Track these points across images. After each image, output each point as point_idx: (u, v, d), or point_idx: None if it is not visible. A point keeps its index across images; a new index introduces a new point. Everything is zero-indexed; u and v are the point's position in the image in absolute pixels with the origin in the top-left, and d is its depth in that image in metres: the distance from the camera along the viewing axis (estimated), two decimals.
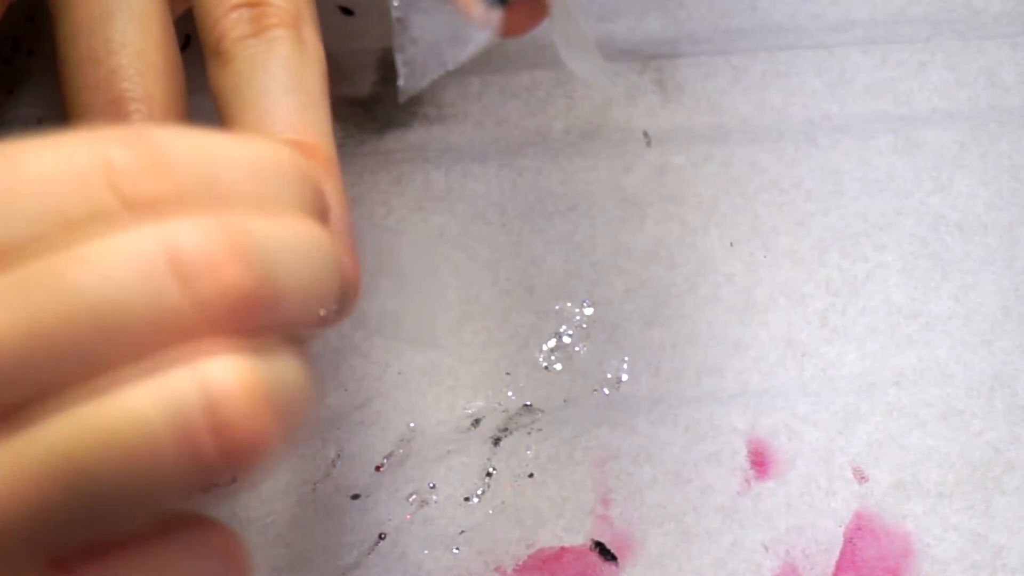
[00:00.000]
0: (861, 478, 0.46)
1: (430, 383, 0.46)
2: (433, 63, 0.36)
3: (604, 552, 0.45)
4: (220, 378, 0.26)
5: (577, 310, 0.47)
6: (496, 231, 0.48)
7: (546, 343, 0.47)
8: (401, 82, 0.37)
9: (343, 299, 0.34)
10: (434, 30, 0.36)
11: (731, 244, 0.48)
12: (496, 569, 0.44)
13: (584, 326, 0.47)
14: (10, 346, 0.25)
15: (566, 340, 0.47)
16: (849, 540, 0.45)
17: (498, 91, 0.49)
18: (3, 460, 0.26)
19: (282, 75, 0.35)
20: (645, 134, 0.49)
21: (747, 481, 0.45)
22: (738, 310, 0.47)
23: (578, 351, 0.47)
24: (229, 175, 0.28)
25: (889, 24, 0.51)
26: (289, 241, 0.28)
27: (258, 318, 0.26)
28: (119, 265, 0.26)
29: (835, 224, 0.48)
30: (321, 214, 0.31)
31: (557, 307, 0.47)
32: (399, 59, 0.36)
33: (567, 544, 0.45)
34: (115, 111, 0.38)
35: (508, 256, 0.48)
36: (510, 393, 0.46)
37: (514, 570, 0.44)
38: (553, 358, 0.47)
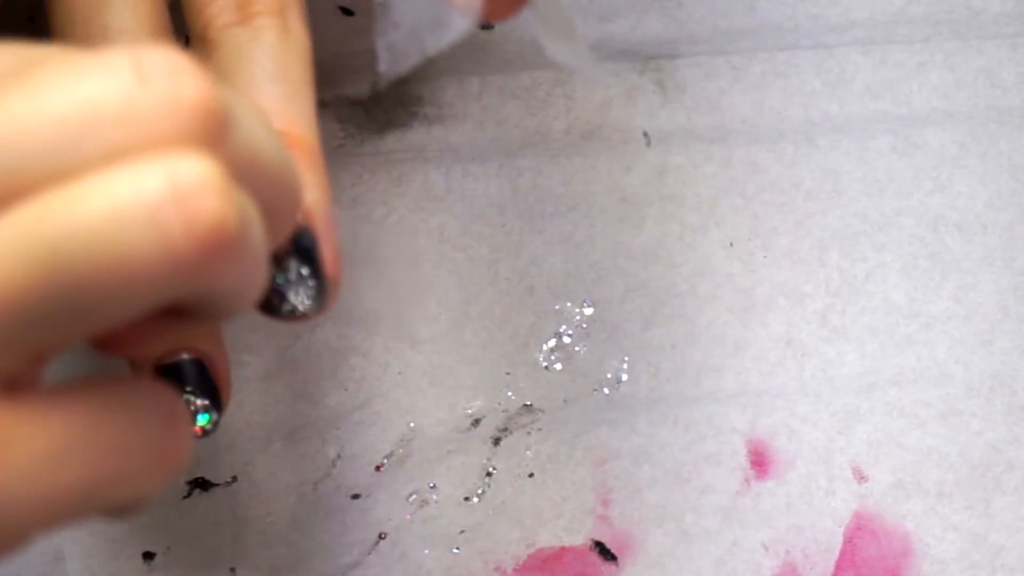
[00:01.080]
0: (861, 478, 0.46)
1: (430, 383, 0.46)
2: (414, 49, 0.36)
3: (604, 552, 0.45)
4: (189, 170, 0.26)
5: (577, 310, 0.47)
6: (496, 231, 0.48)
7: (546, 343, 0.47)
8: (381, 67, 0.36)
9: (323, 295, 0.34)
10: (416, 15, 0.36)
11: (731, 244, 0.48)
12: (496, 569, 0.44)
13: (584, 326, 0.47)
14: None
15: (566, 340, 0.47)
16: (849, 540, 0.45)
17: (498, 91, 0.49)
18: None
19: (267, 64, 0.35)
20: (645, 134, 0.49)
21: (747, 481, 0.45)
22: (738, 310, 0.47)
23: (578, 351, 0.47)
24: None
25: (888, 24, 0.51)
26: (246, 106, 0.29)
27: (218, 140, 0.27)
28: (88, 71, 0.26)
29: (835, 224, 0.48)
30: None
31: (557, 307, 0.47)
32: (380, 44, 0.36)
33: (567, 544, 0.45)
34: None
35: (508, 256, 0.48)
36: (510, 393, 0.46)
37: (514, 570, 0.45)
38: (553, 358, 0.47)
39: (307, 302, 0.35)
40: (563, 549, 0.45)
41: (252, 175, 0.28)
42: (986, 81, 0.50)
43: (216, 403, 0.40)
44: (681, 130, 0.49)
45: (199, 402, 0.39)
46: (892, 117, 0.50)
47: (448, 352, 0.47)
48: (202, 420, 0.39)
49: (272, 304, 0.34)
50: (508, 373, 0.47)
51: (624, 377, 0.47)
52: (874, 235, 0.48)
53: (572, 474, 0.45)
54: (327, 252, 0.35)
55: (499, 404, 0.46)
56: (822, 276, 0.48)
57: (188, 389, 0.39)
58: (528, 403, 0.46)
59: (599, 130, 0.49)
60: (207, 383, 0.39)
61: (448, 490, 0.45)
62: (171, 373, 0.39)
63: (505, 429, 0.46)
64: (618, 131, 0.49)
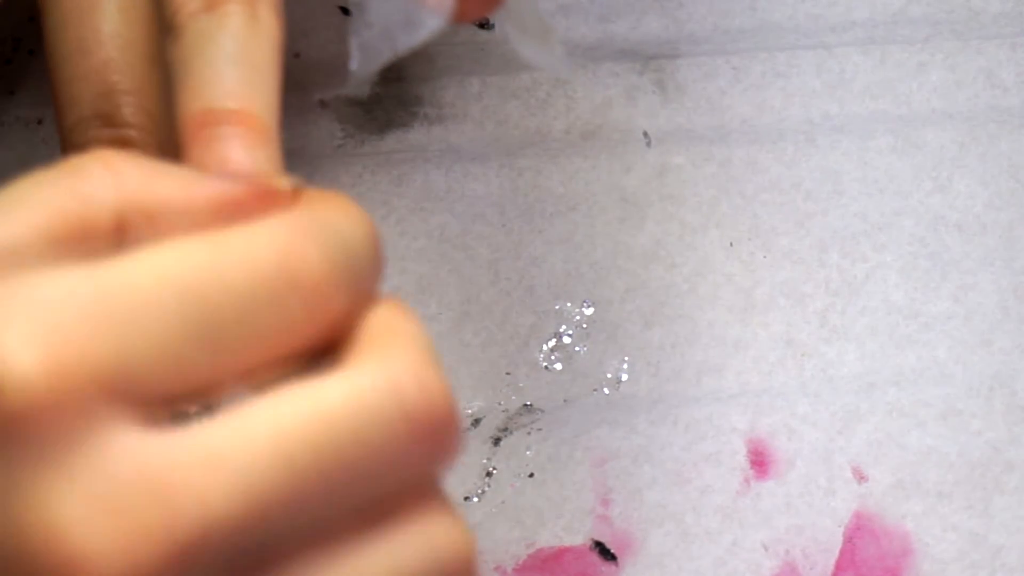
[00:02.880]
0: (861, 478, 0.46)
1: None
2: (386, 48, 0.36)
3: (604, 552, 0.45)
4: (449, 549, 0.27)
5: (577, 310, 0.47)
6: (496, 231, 0.48)
7: (546, 343, 0.47)
8: (353, 66, 0.36)
9: None
10: (389, 14, 0.36)
11: (731, 244, 0.48)
12: (496, 569, 0.44)
13: (584, 326, 0.47)
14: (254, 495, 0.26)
15: (566, 340, 0.47)
16: (849, 540, 0.45)
17: (498, 91, 0.49)
18: None
19: (229, 48, 0.35)
20: (645, 134, 0.49)
21: (747, 481, 0.45)
22: (738, 310, 0.47)
23: (578, 351, 0.47)
24: (365, 263, 0.30)
25: (888, 24, 0.51)
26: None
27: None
28: (365, 422, 0.27)
29: (835, 224, 0.48)
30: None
31: (557, 307, 0.47)
32: (353, 43, 0.36)
33: (567, 544, 0.45)
34: (106, 103, 0.38)
35: (508, 256, 0.48)
36: (510, 393, 0.46)
37: (514, 570, 0.44)
38: (553, 358, 0.47)
39: None
40: (563, 549, 0.45)
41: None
42: (986, 81, 0.50)
43: None
44: (681, 130, 0.49)
45: None
46: (892, 117, 0.50)
47: (448, 352, 0.47)
48: None
49: None
50: (508, 373, 0.47)
51: (624, 377, 0.47)
52: (874, 235, 0.48)
53: (572, 474, 0.45)
54: None
55: (499, 404, 0.46)
56: (822, 276, 0.48)
57: None
58: (528, 403, 0.46)
59: (599, 130, 0.49)
60: None
61: (448, 490, 0.45)
62: None
63: (505, 429, 0.46)
64: (618, 131, 0.49)
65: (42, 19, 0.40)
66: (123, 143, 0.39)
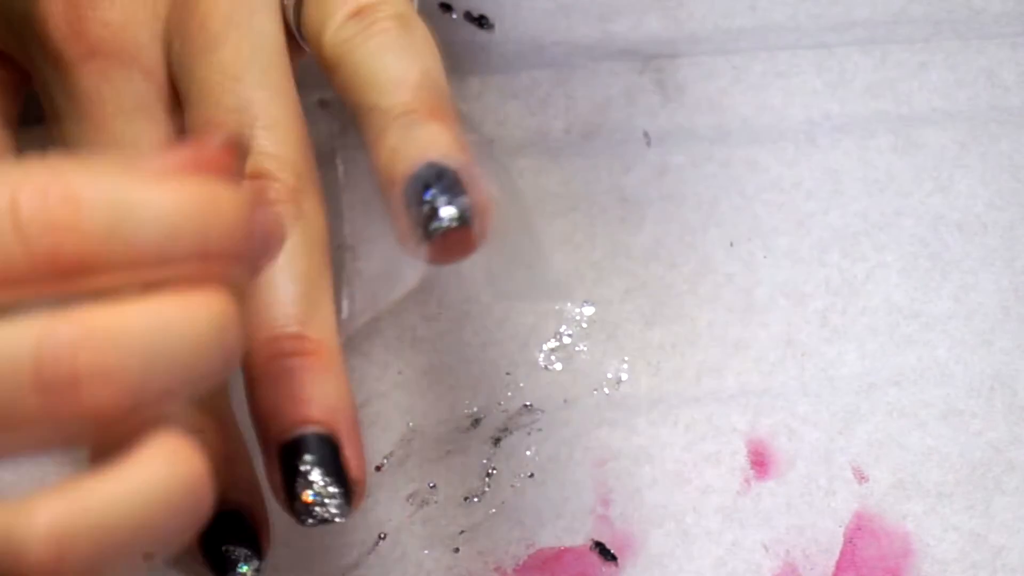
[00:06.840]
0: (861, 478, 0.46)
1: (430, 383, 0.46)
2: (373, 299, 0.37)
3: (604, 552, 0.45)
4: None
5: (577, 310, 0.47)
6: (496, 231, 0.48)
7: (546, 343, 0.47)
8: (344, 315, 0.37)
9: (351, 500, 0.36)
10: (376, 263, 0.36)
11: (731, 244, 0.48)
12: (496, 569, 0.44)
13: (584, 326, 0.47)
14: None
15: (566, 340, 0.47)
16: (849, 540, 0.45)
17: (498, 91, 0.49)
18: None
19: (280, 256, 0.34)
20: (645, 134, 0.49)
21: (747, 481, 0.45)
22: (738, 310, 0.47)
23: (578, 351, 0.47)
24: (136, 228, 0.28)
25: (889, 24, 0.51)
26: (161, 333, 0.28)
27: (118, 418, 0.28)
28: None
29: (835, 224, 0.48)
30: (254, 256, 0.30)
31: (557, 307, 0.47)
32: (344, 292, 0.36)
33: (567, 544, 0.45)
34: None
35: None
36: (510, 393, 0.46)
37: (514, 570, 0.44)
38: (553, 358, 0.47)
39: (334, 510, 0.35)
40: (563, 549, 0.45)
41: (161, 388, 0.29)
42: (987, 81, 0.50)
43: (257, 551, 0.40)
44: (681, 130, 0.49)
45: (240, 551, 0.40)
46: (893, 117, 0.50)
47: (448, 352, 0.47)
48: (243, 568, 0.40)
49: (303, 519, 0.35)
50: (508, 373, 0.47)
51: (624, 377, 0.47)
52: (874, 235, 0.48)
53: (572, 474, 0.45)
54: (351, 457, 0.35)
55: (499, 404, 0.46)
56: (822, 276, 0.48)
57: (229, 541, 0.40)
58: (528, 403, 0.46)
59: (599, 130, 0.49)
60: (247, 533, 0.40)
61: (448, 490, 0.45)
62: (210, 526, 0.40)
63: (505, 429, 0.46)
64: (618, 131, 0.49)
65: (181, 97, 0.39)
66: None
